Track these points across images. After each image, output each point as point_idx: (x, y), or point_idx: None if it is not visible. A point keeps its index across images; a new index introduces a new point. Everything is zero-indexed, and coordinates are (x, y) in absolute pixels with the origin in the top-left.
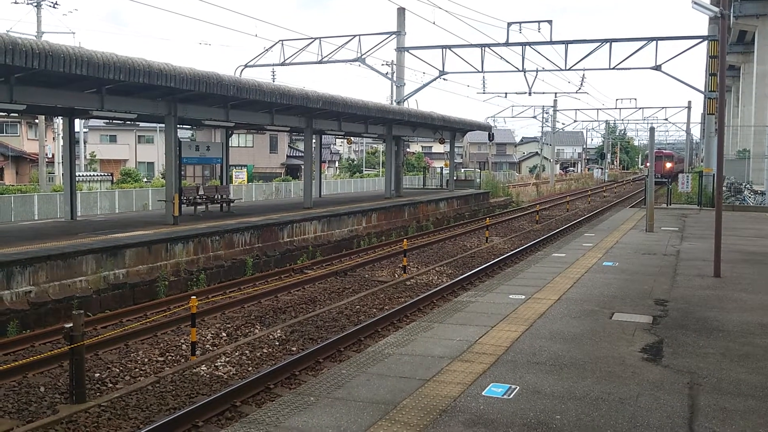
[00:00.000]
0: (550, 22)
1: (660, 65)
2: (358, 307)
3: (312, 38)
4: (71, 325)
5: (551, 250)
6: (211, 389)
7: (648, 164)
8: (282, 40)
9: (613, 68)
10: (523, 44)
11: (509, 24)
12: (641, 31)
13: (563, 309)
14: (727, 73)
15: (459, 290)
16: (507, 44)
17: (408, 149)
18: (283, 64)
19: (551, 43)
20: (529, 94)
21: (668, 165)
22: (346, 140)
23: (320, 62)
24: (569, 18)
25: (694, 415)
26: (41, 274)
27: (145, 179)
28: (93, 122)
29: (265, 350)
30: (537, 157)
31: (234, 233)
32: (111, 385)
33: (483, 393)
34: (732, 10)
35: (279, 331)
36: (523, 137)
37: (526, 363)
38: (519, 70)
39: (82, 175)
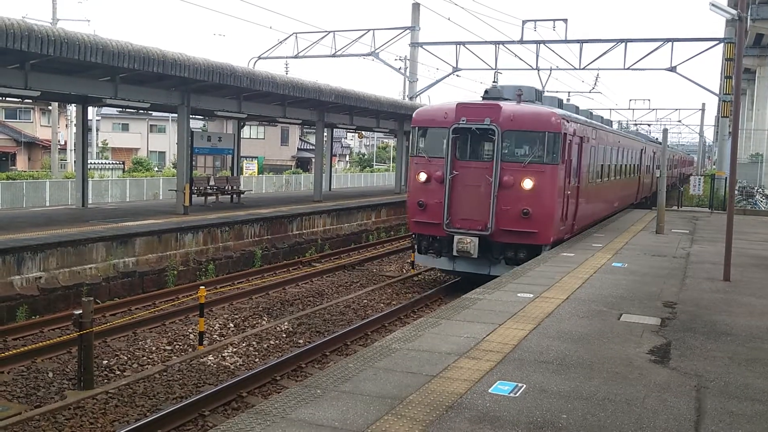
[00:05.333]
0: (565, 20)
1: (675, 66)
2: (365, 301)
3: (326, 32)
4: (80, 311)
5: (560, 250)
6: (218, 379)
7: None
8: (296, 33)
9: (628, 68)
10: (537, 42)
11: (524, 21)
12: (657, 31)
13: (571, 308)
14: (743, 76)
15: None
16: (521, 42)
17: None
18: (296, 56)
19: (566, 42)
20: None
21: (527, 182)
22: (357, 134)
23: (333, 56)
24: (585, 15)
25: (700, 418)
26: (52, 260)
27: (156, 168)
28: (105, 110)
29: (272, 342)
30: None
31: (243, 224)
32: (119, 372)
33: (489, 390)
34: (749, 13)
35: (286, 323)
36: None
37: (533, 362)
38: (533, 69)
39: (94, 163)
